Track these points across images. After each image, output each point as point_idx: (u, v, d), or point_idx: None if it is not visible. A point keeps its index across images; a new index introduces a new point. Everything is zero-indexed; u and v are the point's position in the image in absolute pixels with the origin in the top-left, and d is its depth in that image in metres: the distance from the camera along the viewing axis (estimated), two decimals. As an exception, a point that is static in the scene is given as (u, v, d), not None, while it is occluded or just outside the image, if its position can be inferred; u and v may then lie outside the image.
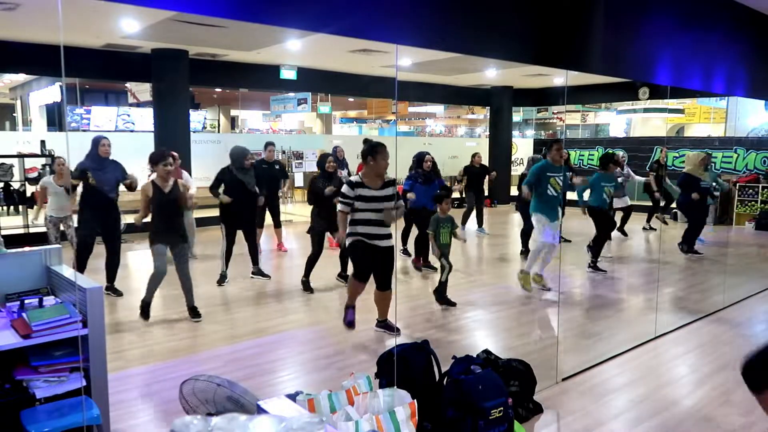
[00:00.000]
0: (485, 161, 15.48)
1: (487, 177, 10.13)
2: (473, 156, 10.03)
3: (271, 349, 4.81)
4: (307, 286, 6.41)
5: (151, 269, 5.37)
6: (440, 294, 5.87)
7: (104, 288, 6.07)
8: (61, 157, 7.22)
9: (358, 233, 4.75)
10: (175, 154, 7.63)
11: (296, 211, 12.21)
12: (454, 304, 5.86)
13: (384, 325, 5.06)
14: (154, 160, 5.31)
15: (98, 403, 2.83)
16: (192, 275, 5.52)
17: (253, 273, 6.96)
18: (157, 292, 5.52)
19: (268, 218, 8.38)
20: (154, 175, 5.41)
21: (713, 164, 11.17)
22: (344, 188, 4.79)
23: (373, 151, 4.70)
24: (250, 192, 6.60)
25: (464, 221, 9.84)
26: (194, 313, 5.50)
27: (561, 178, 6.24)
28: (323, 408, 3.02)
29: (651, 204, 10.44)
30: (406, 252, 8.09)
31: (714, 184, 8.54)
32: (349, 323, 5.00)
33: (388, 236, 4.79)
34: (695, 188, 8.00)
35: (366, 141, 5.93)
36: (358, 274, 4.88)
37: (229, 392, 3.15)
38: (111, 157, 6.03)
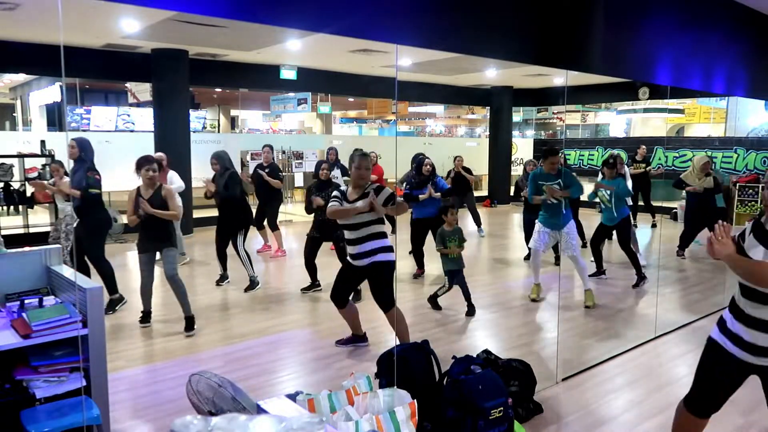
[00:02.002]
0: (485, 161, 15.58)
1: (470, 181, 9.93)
2: (455, 159, 9.75)
3: (271, 349, 4.81)
4: (312, 287, 6.43)
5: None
6: (434, 301, 5.80)
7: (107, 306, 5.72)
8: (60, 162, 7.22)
9: (347, 254, 4.54)
10: (162, 155, 7.61)
11: (296, 211, 12.20)
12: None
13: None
14: (137, 165, 5.19)
15: (98, 403, 2.83)
16: (192, 277, 5.50)
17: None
18: (157, 292, 5.51)
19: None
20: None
21: (713, 164, 11.17)
22: (335, 192, 4.58)
23: (352, 160, 4.51)
24: (226, 196, 6.44)
25: None
26: (189, 324, 5.14)
27: (554, 186, 5.97)
28: (323, 408, 3.03)
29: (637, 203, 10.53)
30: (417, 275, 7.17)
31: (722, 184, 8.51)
32: (337, 342, 4.83)
33: (372, 252, 4.35)
34: (689, 194, 7.98)
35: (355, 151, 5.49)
36: (332, 295, 4.65)
37: (229, 394, 3.15)
38: (106, 160, 6.00)
